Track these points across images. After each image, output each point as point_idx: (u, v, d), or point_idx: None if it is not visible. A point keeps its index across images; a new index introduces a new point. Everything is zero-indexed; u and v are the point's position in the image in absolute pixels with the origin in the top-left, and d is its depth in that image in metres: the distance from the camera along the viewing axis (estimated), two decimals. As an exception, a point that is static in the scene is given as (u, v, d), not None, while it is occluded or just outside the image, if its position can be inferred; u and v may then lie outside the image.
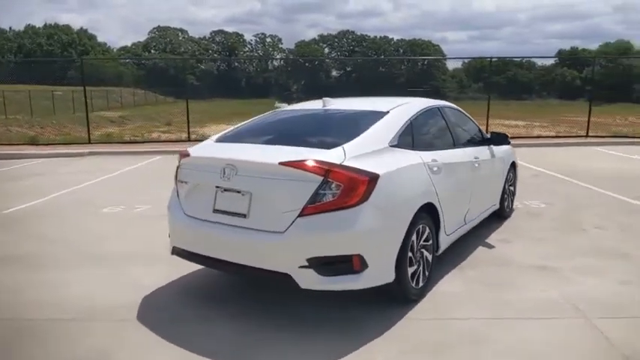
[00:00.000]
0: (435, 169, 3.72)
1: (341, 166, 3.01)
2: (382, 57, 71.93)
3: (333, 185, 2.95)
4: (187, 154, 3.57)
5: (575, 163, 9.87)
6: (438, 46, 79.45)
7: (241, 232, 3.16)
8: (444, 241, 3.90)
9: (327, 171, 2.96)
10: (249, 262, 3.15)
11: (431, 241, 3.65)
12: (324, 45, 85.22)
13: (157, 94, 53.50)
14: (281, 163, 3.02)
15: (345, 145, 3.21)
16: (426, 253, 3.59)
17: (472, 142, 4.82)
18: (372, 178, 3.03)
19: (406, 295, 3.42)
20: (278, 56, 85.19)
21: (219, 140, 3.83)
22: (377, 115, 3.74)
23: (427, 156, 3.73)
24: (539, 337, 3.06)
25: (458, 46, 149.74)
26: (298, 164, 3.00)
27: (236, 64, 78.57)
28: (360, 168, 3.04)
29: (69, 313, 3.46)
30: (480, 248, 4.72)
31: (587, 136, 14.43)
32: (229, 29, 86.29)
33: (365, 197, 2.97)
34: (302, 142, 3.42)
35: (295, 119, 4.22)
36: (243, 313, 3.43)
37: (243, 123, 4.23)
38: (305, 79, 70.93)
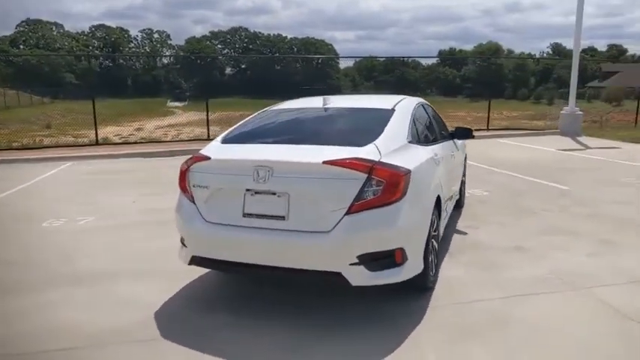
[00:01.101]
0: (438, 162, 3.95)
1: (381, 162, 3.08)
2: (277, 55, 72.12)
3: (376, 182, 3.01)
4: (205, 158, 3.38)
5: (490, 154, 10.85)
6: (331, 45, 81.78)
7: (281, 235, 3.09)
8: (442, 230, 4.15)
9: (370, 168, 3.01)
10: (292, 264, 3.10)
11: (437, 231, 3.87)
12: (216, 42, 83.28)
13: (32, 95, 48.25)
14: (325, 162, 3.01)
15: (377, 143, 3.28)
16: (434, 242, 3.80)
17: (444, 136, 5.15)
18: (407, 174, 3.15)
19: (426, 284, 3.59)
20: (168, 53, 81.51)
21: (228, 141, 3.67)
22: (386, 113, 3.86)
23: (430, 150, 3.94)
24: (552, 310, 3.40)
25: (346, 46, 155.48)
26: (343, 163, 3.01)
27: (121, 61, 73.76)
28: (398, 164, 3.14)
29: (80, 341, 3.10)
30: (456, 236, 5.06)
31: (487, 129, 15.86)
32: (110, 24, 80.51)
33: (404, 192, 3.08)
34: (330, 141, 3.43)
35: (308, 118, 4.17)
36: (270, 317, 3.35)
37: (243, 122, 4.09)
38: (198, 76, 68.81)
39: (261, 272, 3.31)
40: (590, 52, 69.57)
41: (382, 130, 3.51)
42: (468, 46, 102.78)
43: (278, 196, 3.11)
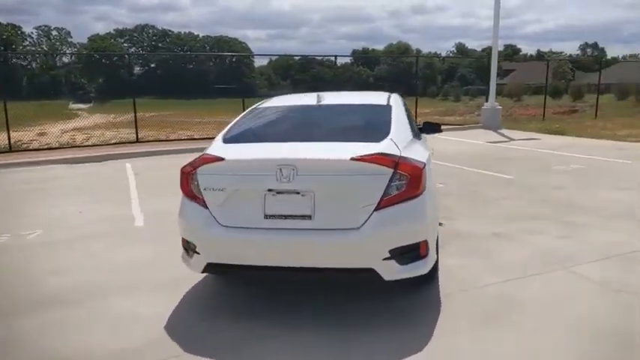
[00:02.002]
0: (431, 156, 4.07)
1: (404, 157, 3.10)
2: (190, 53, 69.77)
3: (400, 177, 3.03)
4: (218, 159, 3.19)
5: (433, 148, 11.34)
6: (244, 43, 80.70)
7: (308, 235, 3.01)
8: None
9: (396, 163, 3.03)
10: (320, 263, 3.03)
11: None
12: (122, 40, 78.78)
13: None
14: (353, 159, 2.98)
15: (392, 138, 3.31)
16: None
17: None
18: (424, 167, 3.21)
19: (435, 275, 3.69)
20: (68, 51, 75.66)
21: (231, 141, 3.49)
22: (383, 108, 3.91)
23: (424, 144, 4.05)
24: (552, 289, 3.65)
25: (259, 44, 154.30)
26: (371, 158, 3.00)
27: (15, 60, 67.32)
28: (417, 158, 3.19)
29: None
30: (435, 226, 5.25)
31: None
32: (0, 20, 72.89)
33: (425, 186, 3.14)
34: (343, 138, 3.40)
35: (309, 115, 4.05)
36: (292, 321, 3.27)
37: (239, 121, 3.91)
38: (103, 76, 64.70)
39: (287, 275, 3.21)
40: (488, 52, 75.15)
41: (390, 126, 3.55)
42: (378, 46, 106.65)
43: (302, 195, 3.03)
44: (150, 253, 4.70)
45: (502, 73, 59.88)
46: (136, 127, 13.48)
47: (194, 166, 3.27)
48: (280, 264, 3.09)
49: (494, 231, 5.01)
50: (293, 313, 3.38)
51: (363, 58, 72.30)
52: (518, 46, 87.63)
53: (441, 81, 64.38)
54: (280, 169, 3.01)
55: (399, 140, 3.33)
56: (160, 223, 5.66)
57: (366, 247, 2.98)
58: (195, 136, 14.11)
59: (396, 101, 4.15)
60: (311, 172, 3.01)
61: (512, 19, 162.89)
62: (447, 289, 3.68)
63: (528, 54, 76.05)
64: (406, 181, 3.04)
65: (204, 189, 3.19)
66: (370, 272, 2.99)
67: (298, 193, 3.03)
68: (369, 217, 2.97)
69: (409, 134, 3.63)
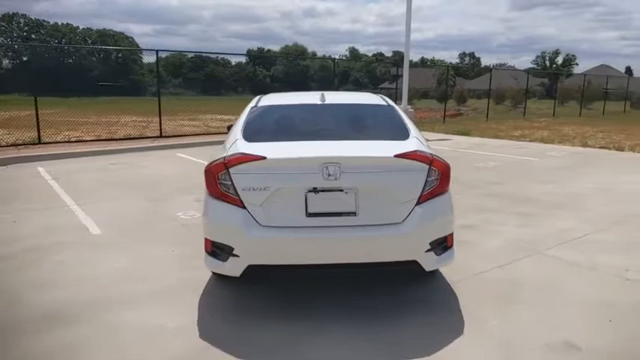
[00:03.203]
0: None
1: (435, 155, 3.28)
2: (71, 45, 63.92)
3: (434, 173, 3.21)
4: (260, 158, 3.08)
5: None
6: (132, 38, 75.94)
7: (353, 231, 3.06)
8: None
9: (431, 160, 3.20)
10: (366, 258, 3.10)
11: None
12: (-16, 29, 69.82)
13: None
14: (396, 156, 3.09)
15: (415, 136, 3.48)
16: None
17: None
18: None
19: None
20: None
21: (255, 140, 3.38)
22: (388, 108, 4.08)
23: None
24: (539, 271, 4.11)
25: (144, 40, 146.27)
26: (412, 155, 3.14)
27: None
28: (442, 156, 3.39)
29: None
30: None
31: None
32: None
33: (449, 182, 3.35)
34: (370, 135, 3.53)
35: (323, 113, 4.02)
36: (329, 319, 3.30)
37: (249, 120, 3.78)
38: (-38, 69, 56.83)
39: (330, 272, 3.22)
40: (378, 57, 79.27)
41: (405, 125, 3.72)
42: (271, 46, 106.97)
43: (345, 193, 3.07)
44: (125, 263, 4.38)
45: (391, 78, 63.83)
46: (38, 128, 12.11)
47: (226, 165, 3.14)
48: (323, 261, 3.10)
49: (461, 223, 5.41)
50: (325, 310, 3.40)
51: (260, 57, 72.03)
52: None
53: (337, 83, 66.40)
54: (326, 167, 3.02)
55: (420, 139, 3.51)
56: (118, 230, 5.33)
57: (410, 241, 3.11)
58: (103, 137, 13.04)
59: (392, 102, 4.33)
60: (355, 169, 3.07)
61: (396, 27, 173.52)
62: (451, 277, 3.94)
63: (413, 61, 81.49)
64: (438, 177, 3.22)
65: (243, 189, 3.08)
66: (412, 264, 3.13)
67: (342, 190, 3.06)
68: (411, 212, 3.11)
69: (419, 134, 3.83)
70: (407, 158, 3.13)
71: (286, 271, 3.16)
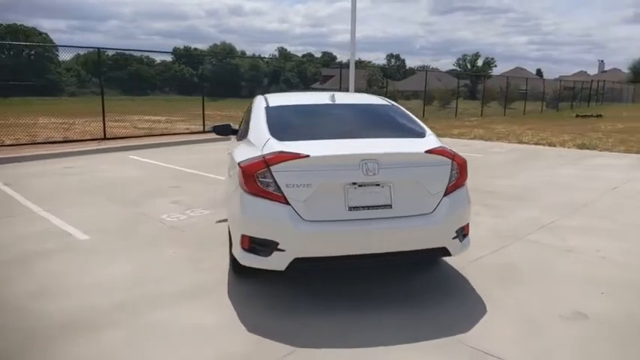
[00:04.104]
0: None
1: (454, 151, 3.60)
2: (-25, 42, 58.48)
3: (455, 167, 3.53)
4: (303, 155, 3.22)
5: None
6: (46, 34, 70.83)
7: (390, 222, 3.30)
8: None
9: (453, 156, 3.52)
10: (401, 247, 3.35)
11: None
12: None
13: None
14: (426, 152, 3.37)
15: (432, 134, 3.79)
16: None
17: None
18: None
19: None
20: None
21: (288, 139, 3.49)
22: (394, 108, 4.39)
23: None
24: (527, 254, 4.57)
25: (57, 36, 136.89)
26: (439, 151, 3.45)
27: None
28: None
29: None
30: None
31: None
32: None
33: None
34: (392, 133, 3.80)
35: (341, 113, 4.24)
36: (359, 305, 3.52)
37: (268, 119, 3.87)
38: None
39: (368, 262, 3.42)
40: (308, 57, 79.97)
41: (418, 123, 4.03)
42: (196, 45, 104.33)
43: (381, 187, 3.30)
44: (130, 267, 4.31)
45: (322, 78, 64.72)
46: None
47: (267, 163, 3.25)
48: (363, 252, 3.31)
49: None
50: (355, 300, 3.61)
51: (186, 55, 70.02)
52: (335, 54, 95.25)
53: (268, 83, 66.17)
54: (365, 163, 3.24)
55: (435, 135, 3.83)
56: (106, 235, 5.20)
57: (440, 229, 3.40)
58: (23, 141, 12.09)
59: (394, 102, 4.63)
60: (390, 165, 3.31)
61: (323, 28, 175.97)
62: (454, 264, 4.29)
63: (343, 61, 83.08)
64: (458, 171, 3.55)
65: (287, 186, 3.21)
66: (441, 251, 3.43)
67: (378, 184, 3.29)
68: (439, 203, 3.41)
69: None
70: (435, 154, 3.44)
71: (328, 262, 3.32)
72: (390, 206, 3.32)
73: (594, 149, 12.10)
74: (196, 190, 7.38)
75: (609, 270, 4.20)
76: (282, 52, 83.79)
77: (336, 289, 3.81)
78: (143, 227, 5.52)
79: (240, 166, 3.42)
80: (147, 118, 21.16)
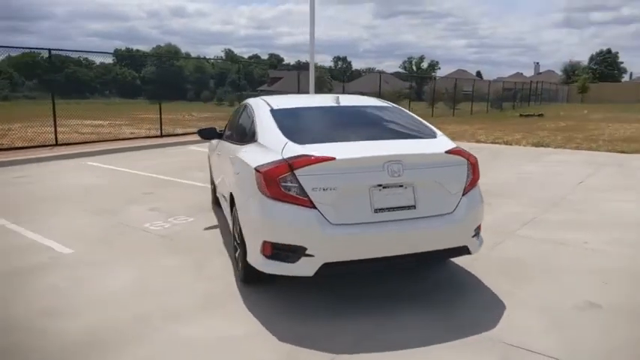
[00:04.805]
0: None
1: (468, 151, 3.66)
2: None
3: (470, 166, 3.59)
4: (329, 158, 3.16)
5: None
6: (-29, 34, 65.97)
7: (414, 223, 3.31)
8: None
9: (468, 155, 3.57)
10: (426, 247, 3.37)
11: None
12: None
13: None
14: (447, 152, 3.41)
15: (442, 134, 3.84)
16: None
17: None
18: None
19: None
20: None
21: (307, 142, 3.43)
22: (397, 109, 4.43)
23: None
24: (523, 249, 4.73)
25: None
26: (457, 151, 3.50)
27: None
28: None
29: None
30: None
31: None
32: None
33: None
34: (405, 135, 3.82)
35: (351, 115, 4.24)
36: (383, 306, 3.51)
37: (281, 121, 3.78)
38: None
39: (393, 263, 3.39)
40: (255, 59, 79.23)
41: (425, 124, 4.07)
42: (137, 47, 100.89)
43: (405, 188, 3.30)
44: (130, 279, 4.09)
45: (270, 80, 64.31)
46: None
47: (292, 167, 3.17)
48: (389, 254, 3.29)
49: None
50: (373, 303, 3.59)
51: (129, 57, 67.52)
52: (282, 56, 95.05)
53: (214, 85, 64.99)
54: (389, 166, 3.23)
55: (447, 136, 3.88)
56: (91, 247, 4.92)
57: (461, 228, 3.45)
58: None
59: (394, 104, 4.66)
60: (413, 166, 3.32)
61: (268, 30, 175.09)
62: (461, 262, 4.34)
63: (291, 63, 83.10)
64: (472, 170, 3.61)
65: (313, 189, 3.14)
66: (462, 250, 3.48)
67: (402, 185, 3.29)
68: (459, 202, 3.46)
69: None
70: (453, 154, 3.48)
71: (355, 266, 3.28)
72: (414, 207, 3.33)
73: (548, 147, 12.76)
74: (171, 197, 7.11)
75: (604, 261, 4.42)
76: (228, 53, 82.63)
77: (353, 293, 3.77)
78: (127, 237, 5.24)
79: (259, 171, 3.31)
80: (88, 122, 19.80)
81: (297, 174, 3.17)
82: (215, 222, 5.82)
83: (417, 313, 3.42)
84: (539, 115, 26.47)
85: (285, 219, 3.20)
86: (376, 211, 3.24)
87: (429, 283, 3.96)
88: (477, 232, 3.62)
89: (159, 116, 15.47)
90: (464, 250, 3.51)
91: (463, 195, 3.50)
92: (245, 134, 4.37)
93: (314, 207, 3.16)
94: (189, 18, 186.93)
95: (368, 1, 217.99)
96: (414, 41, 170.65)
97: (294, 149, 3.34)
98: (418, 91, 48.20)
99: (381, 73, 28.95)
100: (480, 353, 2.92)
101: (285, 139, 3.50)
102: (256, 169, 3.36)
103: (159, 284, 3.98)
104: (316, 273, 3.18)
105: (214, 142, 6.07)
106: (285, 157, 3.28)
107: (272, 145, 3.54)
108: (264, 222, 3.28)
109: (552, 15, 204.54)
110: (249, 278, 3.77)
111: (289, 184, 3.18)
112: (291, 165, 3.19)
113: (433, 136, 3.83)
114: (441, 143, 3.65)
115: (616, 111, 31.48)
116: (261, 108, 4.24)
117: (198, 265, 4.39)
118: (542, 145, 12.98)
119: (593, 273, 4.12)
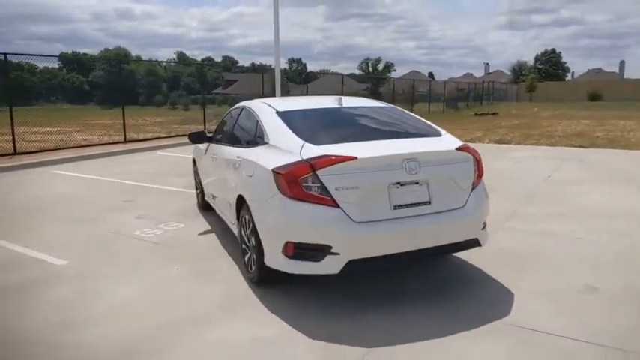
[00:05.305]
0: None
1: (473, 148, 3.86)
2: None
3: (476, 162, 3.78)
4: (351, 158, 3.25)
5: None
6: None
7: (430, 218, 3.46)
8: None
9: (474, 152, 3.77)
10: (441, 241, 3.52)
11: None
12: None
13: None
14: (457, 149, 3.59)
15: (446, 132, 4.02)
16: None
17: None
18: None
19: None
20: None
21: (324, 142, 3.51)
22: (396, 109, 4.63)
23: None
24: (516, 241, 5.00)
25: None
26: (465, 148, 3.69)
27: None
28: None
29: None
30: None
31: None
32: None
33: None
34: (412, 134, 3.98)
35: (359, 116, 4.32)
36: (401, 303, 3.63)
37: (293, 125, 3.83)
38: None
39: (411, 258, 3.52)
40: (208, 62, 77.94)
41: (427, 122, 4.25)
42: (82, 50, 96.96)
43: (420, 185, 3.45)
44: (137, 289, 4.02)
45: (225, 83, 63.50)
46: None
47: (314, 167, 3.24)
48: (409, 248, 3.42)
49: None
50: (387, 299, 3.72)
51: (76, 61, 64.93)
52: (236, 58, 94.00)
53: (167, 89, 63.47)
54: (407, 164, 3.36)
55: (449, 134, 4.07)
56: (84, 258, 4.79)
57: (472, 222, 3.64)
58: None
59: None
60: (428, 163, 3.47)
61: (220, 33, 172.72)
62: (461, 254, 4.50)
63: (244, 65, 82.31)
64: (477, 166, 3.80)
65: (336, 189, 3.23)
66: (473, 242, 3.66)
67: (417, 183, 3.44)
68: (469, 197, 3.64)
69: None
70: (463, 151, 3.67)
71: (377, 262, 3.38)
72: (429, 203, 3.47)
73: (509, 143, 13.37)
74: (154, 204, 6.99)
75: (594, 249, 4.72)
76: (181, 56, 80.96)
77: (361, 291, 3.86)
78: (121, 246, 5.13)
79: (279, 173, 3.37)
80: (35, 130, 18.60)
81: (319, 174, 3.24)
82: (207, 227, 5.78)
83: (429, 306, 3.55)
84: (493, 114, 27.56)
85: (309, 219, 3.27)
86: (395, 207, 3.37)
87: (435, 277, 4.12)
88: (484, 225, 3.81)
89: (113, 122, 15.02)
90: (475, 243, 3.69)
91: (472, 190, 3.68)
92: (248, 137, 4.39)
93: (337, 206, 3.25)
94: (138, 20, 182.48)
95: (320, 4, 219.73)
96: (366, 43, 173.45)
97: (313, 150, 3.42)
98: (374, 92, 49.04)
99: (343, 75, 29.23)
100: (498, 338, 3.09)
101: (301, 141, 3.56)
102: (275, 171, 3.41)
103: (171, 291, 3.94)
104: (341, 270, 3.26)
105: (202, 146, 6.02)
106: (304, 158, 3.35)
107: (287, 146, 3.59)
108: (286, 222, 3.34)
109: (497, 17, 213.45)
110: (263, 280, 3.80)
111: (310, 184, 3.26)
112: (313, 166, 3.26)
113: (438, 134, 4.01)
114: (449, 141, 3.83)
115: (563, 109, 33.24)
116: (265, 110, 4.28)
117: (204, 270, 4.37)
118: (504, 142, 13.58)
119: (585, 260, 4.42)
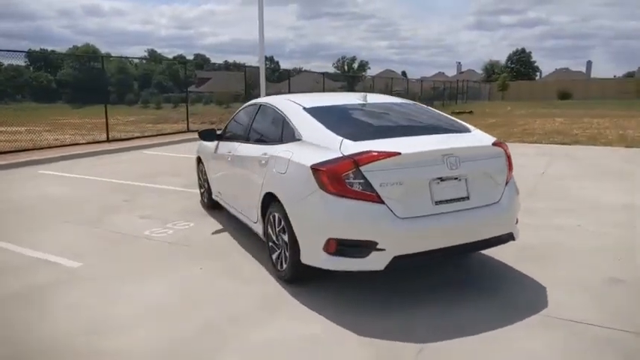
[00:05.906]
0: None
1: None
2: None
3: (507, 158, 3.84)
4: (395, 154, 3.25)
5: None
6: None
7: (469, 213, 3.49)
8: None
9: (506, 146, 3.82)
10: (479, 236, 3.56)
11: None
12: None
13: None
14: (493, 144, 3.66)
15: (474, 127, 4.06)
16: None
17: None
18: None
19: None
20: None
21: (360, 139, 3.49)
22: (418, 105, 4.68)
23: None
24: (529, 235, 5.03)
25: None
26: (499, 143, 3.74)
27: None
28: None
29: None
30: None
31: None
32: None
33: None
34: (447, 129, 4.00)
35: (387, 112, 4.38)
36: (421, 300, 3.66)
37: (327, 122, 3.80)
38: None
39: (452, 253, 3.55)
40: (180, 60, 76.58)
41: (454, 119, 4.29)
42: (48, 47, 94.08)
43: (459, 180, 3.48)
44: (162, 290, 3.92)
45: (198, 81, 62.54)
46: None
47: (357, 163, 3.22)
48: (450, 244, 3.44)
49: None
50: (422, 295, 3.74)
51: (43, 58, 62.82)
52: (207, 56, 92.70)
53: (138, 87, 62.06)
54: (447, 159, 3.38)
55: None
56: (97, 259, 4.66)
57: (507, 216, 3.70)
58: None
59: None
60: (466, 158, 3.51)
61: (191, 30, 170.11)
62: (485, 251, 4.52)
63: (217, 64, 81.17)
64: (509, 162, 3.86)
65: (381, 185, 3.22)
66: (508, 236, 3.71)
67: (457, 178, 3.47)
68: (503, 192, 3.69)
69: None
70: (496, 146, 3.73)
71: (420, 258, 3.38)
72: (467, 198, 3.51)
73: (495, 141, 13.62)
74: (154, 203, 6.83)
75: (606, 240, 4.87)
76: (152, 54, 79.35)
77: (394, 286, 3.87)
78: (133, 246, 5.00)
79: (320, 169, 3.34)
80: (2, 129, 17.74)
81: (362, 170, 3.23)
82: (217, 225, 5.69)
83: (469, 300, 3.58)
84: (469, 112, 28.05)
85: (354, 215, 3.25)
86: (436, 203, 3.38)
87: (464, 272, 4.16)
88: (517, 220, 3.87)
89: (83, 121, 14.62)
90: (509, 237, 3.74)
91: (506, 185, 3.74)
92: (273, 134, 4.33)
93: (382, 202, 3.24)
94: (106, 17, 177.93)
95: (291, 2, 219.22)
96: (338, 42, 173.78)
97: (353, 146, 3.40)
98: (350, 91, 49.20)
99: (324, 74, 29.22)
100: (548, 330, 3.13)
101: (339, 137, 3.53)
102: (315, 167, 3.38)
103: (203, 292, 3.85)
104: (386, 267, 3.26)
105: (209, 144, 5.92)
106: (345, 154, 3.33)
107: (325, 143, 3.56)
108: (328, 219, 3.31)
109: (467, 17, 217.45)
110: (296, 278, 3.76)
111: (353, 180, 3.24)
112: (357, 161, 3.24)
113: (468, 130, 4.04)
114: (483, 136, 3.88)
115: (535, 107, 34.13)
116: (292, 107, 4.24)
117: (231, 269, 4.30)
118: (489, 140, 13.82)
119: (602, 251, 4.55)
